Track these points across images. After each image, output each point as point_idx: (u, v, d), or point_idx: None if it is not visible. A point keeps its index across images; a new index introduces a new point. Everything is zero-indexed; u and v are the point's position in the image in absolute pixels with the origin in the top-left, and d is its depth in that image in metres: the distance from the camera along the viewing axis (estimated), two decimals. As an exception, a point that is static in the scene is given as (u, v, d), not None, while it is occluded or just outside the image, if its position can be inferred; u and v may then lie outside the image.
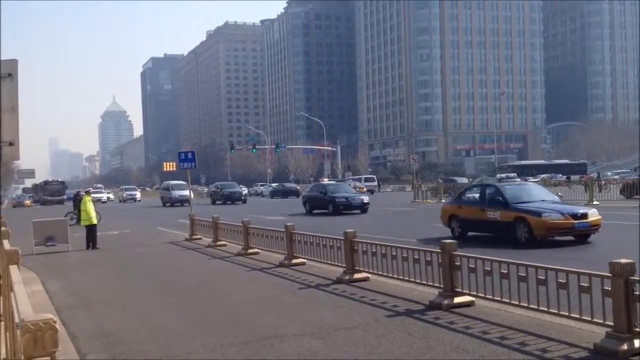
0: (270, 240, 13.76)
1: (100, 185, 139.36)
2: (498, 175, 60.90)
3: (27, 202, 75.30)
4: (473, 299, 7.66)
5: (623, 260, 5.57)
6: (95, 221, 18.47)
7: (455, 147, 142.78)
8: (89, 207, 18.34)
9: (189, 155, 24.12)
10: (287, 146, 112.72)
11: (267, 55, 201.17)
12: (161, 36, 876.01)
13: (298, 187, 69.05)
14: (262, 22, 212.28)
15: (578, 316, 6.15)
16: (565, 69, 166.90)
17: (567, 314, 6.27)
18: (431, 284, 8.26)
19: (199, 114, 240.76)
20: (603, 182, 36.07)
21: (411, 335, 6.60)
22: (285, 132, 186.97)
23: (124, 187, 79.76)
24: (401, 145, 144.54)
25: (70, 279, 12.48)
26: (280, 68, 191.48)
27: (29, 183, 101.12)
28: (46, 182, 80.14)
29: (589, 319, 6.01)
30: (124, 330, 7.57)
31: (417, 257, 8.54)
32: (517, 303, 6.89)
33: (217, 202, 50.17)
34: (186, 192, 46.46)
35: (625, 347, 5.45)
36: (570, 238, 14.58)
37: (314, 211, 31.41)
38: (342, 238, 10.26)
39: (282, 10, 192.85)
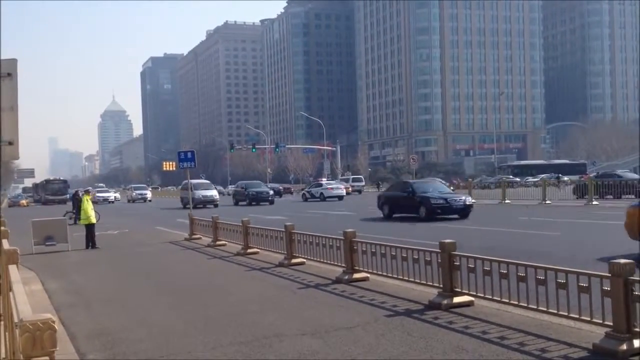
0: (270, 240, 13.76)
1: (101, 184, 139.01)
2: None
3: (23, 201, 73.18)
4: (472, 298, 7.66)
5: (622, 261, 5.57)
6: (93, 220, 18.47)
7: (454, 147, 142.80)
8: (87, 206, 18.34)
9: (189, 154, 24.11)
10: (287, 146, 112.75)
11: (266, 55, 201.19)
12: (161, 36, 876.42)
13: (281, 187, 72.48)
14: (262, 21, 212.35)
15: (577, 316, 6.15)
16: (564, 69, 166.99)
17: (566, 314, 6.27)
18: (430, 283, 8.26)
19: (199, 114, 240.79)
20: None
21: (410, 335, 6.59)
22: (285, 132, 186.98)
23: (133, 185, 75.75)
24: (401, 145, 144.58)
25: (70, 279, 12.48)
26: (280, 68, 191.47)
27: (28, 182, 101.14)
28: (48, 181, 77.60)
29: (588, 319, 6.00)
30: (123, 330, 7.56)
31: (416, 257, 8.54)
32: (516, 303, 6.88)
33: (241, 202, 46.03)
34: (211, 192, 44.20)
35: (624, 347, 5.45)
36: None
37: (394, 215, 25.32)
38: (342, 238, 10.26)
39: (282, 10, 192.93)
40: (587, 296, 5.96)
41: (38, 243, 17.17)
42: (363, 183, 73.79)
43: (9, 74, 5.93)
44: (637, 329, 5.51)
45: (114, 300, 9.79)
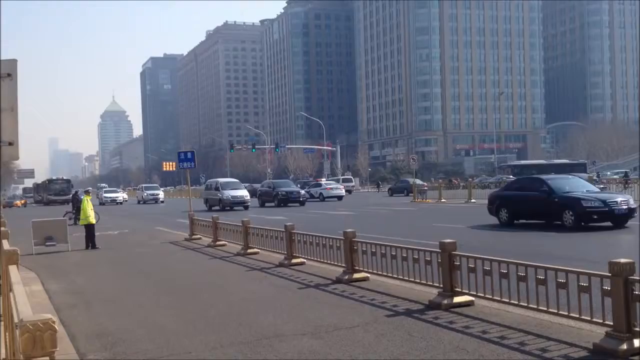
0: (270, 240, 13.76)
1: (104, 184, 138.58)
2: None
3: (18, 202, 71.44)
4: (472, 298, 7.66)
5: (622, 260, 5.57)
6: (93, 221, 18.46)
7: (454, 146, 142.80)
8: (87, 207, 18.35)
9: (189, 155, 24.11)
10: (287, 146, 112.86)
11: (266, 55, 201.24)
12: (161, 36, 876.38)
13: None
14: (262, 22, 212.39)
15: (577, 316, 6.15)
16: (564, 69, 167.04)
17: (566, 313, 6.27)
18: (431, 283, 8.26)
19: (199, 114, 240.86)
20: (604, 181, 36.06)
21: (411, 335, 6.59)
22: (285, 132, 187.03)
23: (143, 185, 68.45)
24: (401, 145, 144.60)
25: (70, 279, 12.47)
26: (280, 68, 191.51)
27: (28, 183, 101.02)
28: (50, 181, 74.37)
29: (589, 318, 6.00)
30: (123, 330, 7.56)
31: (416, 256, 8.54)
32: (516, 303, 6.88)
33: (268, 204, 41.35)
34: (241, 192, 39.04)
35: (624, 346, 5.45)
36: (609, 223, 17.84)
37: (518, 220, 19.87)
38: (342, 238, 10.26)
39: (282, 10, 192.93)
40: (587, 296, 5.96)
41: (38, 243, 17.17)
42: (353, 183, 73.81)
43: (8, 75, 5.93)
44: (637, 329, 5.51)
45: (114, 301, 9.79)
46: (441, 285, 7.93)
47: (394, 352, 6.06)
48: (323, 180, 61.51)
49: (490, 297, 7.26)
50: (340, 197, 49.36)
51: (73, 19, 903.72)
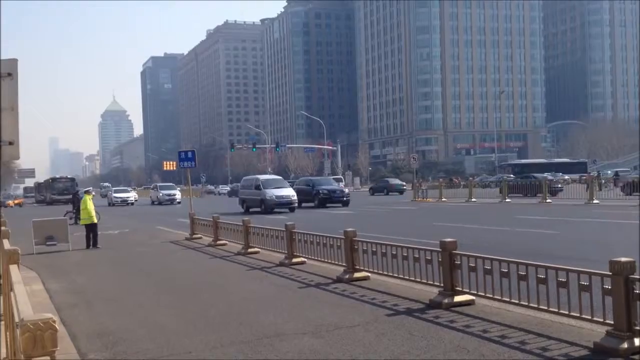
0: (271, 240, 13.76)
1: (107, 184, 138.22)
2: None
3: (11, 202, 69.75)
4: (473, 297, 7.66)
5: (623, 259, 5.56)
6: (95, 220, 18.47)
7: (455, 146, 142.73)
8: (90, 206, 18.33)
9: (189, 154, 24.10)
10: (287, 145, 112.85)
11: (267, 55, 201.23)
12: (161, 35, 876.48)
13: None
14: (262, 21, 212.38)
15: (578, 315, 6.14)
16: (565, 68, 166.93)
17: (567, 312, 6.27)
18: (431, 282, 8.25)
19: (199, 113, 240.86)
20: (603, 180, 36.05)
21: (411, 334, 6.59)
22: (286, 131, 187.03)
23: (158, 184, 60.60)
24: (401, 144, 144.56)
25: (71, 278, 12.48)
26: (281, 67, 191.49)
27: (29, 182, 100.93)
28: (54, 179, 71.73)
29: (589, 317, 6.00)
30: (124, 330, 7.56)
31: (417, 255, 8.54)
32: (517, 302, 6.88)
33: (305, 204, 36.53)
34: (287, 191, 33.53)
35: (625, 345, 5.45)
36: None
37: None
38: (342, 237, 10.25)
39: (282, 10, 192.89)
40: (588, 295, 5.95)
41: (39, 243, 17.18)
42: (343, 183, 73.39)
43: (9, 74, 5.93)
44: (638, 328, 5.51)
45: (115, 300, 9.79)
46: (442, 285, 7.93)
47: (394, 351, 6.06)
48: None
49: (491, 296, 7.25)
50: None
51: (73, 18, 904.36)
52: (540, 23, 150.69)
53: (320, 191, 36.54)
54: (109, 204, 54.38)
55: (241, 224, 15.22)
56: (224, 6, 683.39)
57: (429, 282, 8.32)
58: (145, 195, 72.98)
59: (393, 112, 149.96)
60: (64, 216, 25.14)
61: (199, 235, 19.09)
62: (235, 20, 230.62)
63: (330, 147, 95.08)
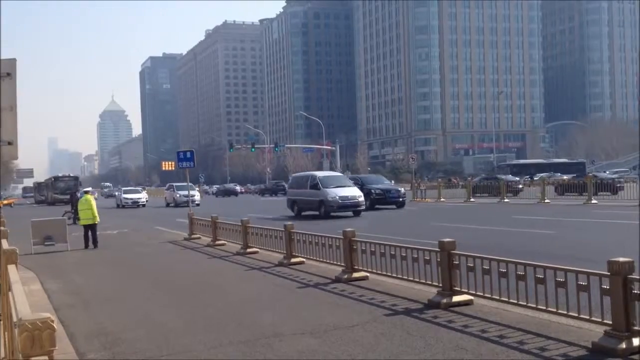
0: (269, 240, 13.75)
1: (108, 184, 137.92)
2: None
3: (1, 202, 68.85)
4: (472, 297, 7.66)
5: (622, 259, 5.57)
6: (98, 220, 18.47)
7: (454, 146, 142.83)
8: (93, 205, 18.32)
9: (188, 154, 24.09)
10: (286, 145, 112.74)
11: (266, 55, 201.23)
12: (160, 35, 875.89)
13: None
14: (261, 21, 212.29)
15: (576, 315, 6.14)
16: (563, 68, 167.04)
17: (565, 312, 6.27)
18: (430, 282, 8.25)
19: (198, 113, 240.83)
20: (601, 181, 36.06)
21: (410, 334, 6.60)
22: (284, 132, 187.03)
23: (175, 184, 53.12)
24: (400, 144, 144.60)
25: (69, 279, 12.47)
26: (279, 67, 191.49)
27: (28, 182, 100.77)
28: (56, 178, 68.48)
29: (588, 317, 6.01)
30: (122, 329, 7.56)
31: (415, 255, 8.54)
32: (515, 302, 6.88)
33: None
34: (352, 191, 27.75)
35: (624, 345, 5.45)
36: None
37: None
38: (341, 237, 10.25)
39: (281, 10, 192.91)
40: (586, 295, 5.95)
41: (37, 243, 17.16)
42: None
43: (8, 74, 5.93)
44: (636, 328, 5.51)
45: (113, 300, 9.78)
46: (440, 285, 7.93)
47: (393, 351, 6.06)
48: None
49: (490, 296, 7.25)
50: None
51: (72, 18, 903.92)
52: (539, 23, 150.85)
53: (373, 191, 31.35)
54: (118, 206, 50.72)
55: (240, 224, 15.22)
56: (222, 6, 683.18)
57: (427, 282, 8.32)
58: (155, 195, 71.57)
59: (392, 112, 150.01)
60: (62, 216, 25.10)
61: (198, 236, 19.08)
62: (234, 21, 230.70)
63: (329, 147, 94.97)
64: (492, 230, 18.70)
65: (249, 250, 14.64)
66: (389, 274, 9.19)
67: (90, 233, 18.14)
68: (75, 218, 26.16)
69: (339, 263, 10.48)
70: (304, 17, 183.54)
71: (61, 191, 60.64)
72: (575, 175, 51.42)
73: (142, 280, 12.14)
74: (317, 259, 11.46)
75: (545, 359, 5.58)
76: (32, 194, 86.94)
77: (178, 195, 47.78)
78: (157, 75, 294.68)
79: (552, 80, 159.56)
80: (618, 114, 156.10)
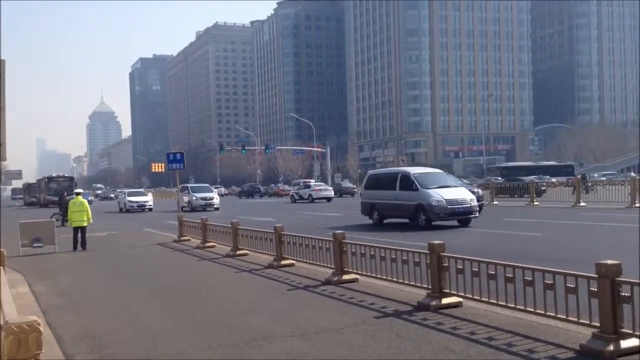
0: (259, 242, 13.71)
1: (100, 185, 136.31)
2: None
3: None
4: (461, 299, 7.68)
5: (609, 262, 5.59)
6: (91, 222, 18.39)
7: (444, 148, 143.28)
8: (88, 207, 18.23)
9: (178, 156, 23.98)
10: (277, 147, 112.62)
11: (256, 56, 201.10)
12: (150, 37, 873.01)
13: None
14: (252, 23, 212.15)
15: (564, 317, 6.17)
16: (553, 71, 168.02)
17: (553, 314, 6.29)
18: (419, 284, 8.27)
19: (188, 115, 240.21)
20: (590, 184, 36.29)
21: (399, 337, 6.60)
22: (275, 133, 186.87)
23: (189, 185, 46.95)
24: (390, 146, 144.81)
25: (57, 281, 12.39)
26: (270, 69, 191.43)
27: (17, 184, 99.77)
28: (50, 179, 64.73)
29: (576, 319, 6.03)
30: (111, 332, 7.52)
31: (405, 258, 8.55)
32: (504, 304, 6.91)
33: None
34: (462, 193, 21.17)
35: (611, 347, 5.47)
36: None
37: None
38: (331, 239, 10.25)
39: (272, 12, 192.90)
40: (575, 297, 5.98)
41: (25, 245, 17.05)
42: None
43: (-4, 75, 5.88)
44: (624, 330, 5.54)
45: (102, 302, 9.73)
46: (430, 287, 7.95)
47: (382, 353, 6.07)
48: (312, 182, 61.44)
49: (479, 298, 7.28)
50: (329, 199, 49.42)
51: (62, 18, 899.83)
52: (529, 26, 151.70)
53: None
54: (121, 210, 45.59)
55: (230, 225, 15.18)
56: (213, 8, 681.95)
57: (417, 284, 8.33)
58: (162, 197, 68.38)
59: (382, 114, 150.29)
60: (51, 218, 24.94)
61: (187, 238, 19.02)
62: (224, 22, 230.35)
63: (320, 149, 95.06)
64: (479, 232, 18.77)
65: (239, 252, 14.60)
66: (379, 276, 9.19)
67: (79, 235, 18.04)
68: (64, 220, 26.02)
69: (329, 265, 10.48)
70: (295, 19, 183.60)
71: (55, 192, 56.17)
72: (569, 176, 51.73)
73: (130, 282, 12.08)
74: (307, 261, 11.44)
75: (533, 361, 5.59)
76: (21, 196, 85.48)
77: (194, 198, 41.45)
78: (147, 76, 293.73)
79: (541, 83, 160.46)
80: (606, 118, 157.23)
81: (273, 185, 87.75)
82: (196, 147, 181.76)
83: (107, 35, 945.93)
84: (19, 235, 17.13)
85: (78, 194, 19.39)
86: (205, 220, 17.61)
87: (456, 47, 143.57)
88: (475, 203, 21.24)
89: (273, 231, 12.60)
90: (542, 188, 37.88)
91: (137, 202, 45.72)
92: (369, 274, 9.45)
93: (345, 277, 9.99)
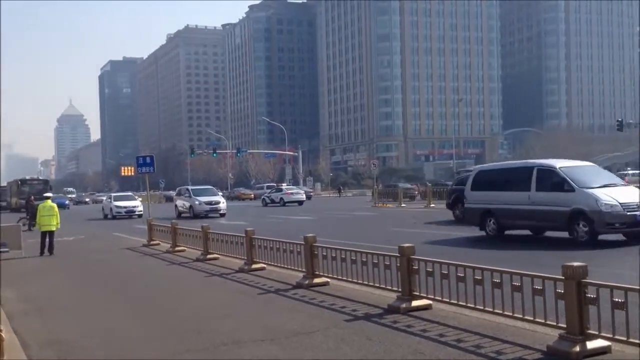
0: (230, 246, 13.62)
1: (71, 189, 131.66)
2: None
3: None
4: (431, 302, 7.72)
5: (576, 264, 5.67)
6: (59, 227, 18.11)
7: (415, 152, 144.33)
8: (56, 212, 17.94)
9: (148, 159, 23.78)
10: (248, 151, 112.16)
11: (228, 60, 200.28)
12: (120, 39, 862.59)
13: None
14: (224, 26, 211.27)
15: (532, 318, 6.23)
16: (522, 76, 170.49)
17: (521, 316, 6.36)
18: (390, 287, 8.29)
19: (159, 118, 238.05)
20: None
21: (370, 340, 6.62)
22: (247, 137, 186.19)
23: (190, 187, 41.66)
24: (362, 150, 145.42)
25: (24, 286, 12.15)
26: (242, 72, 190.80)
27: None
28: (23, 182, 61.16)
29: (543, 321, 6.09)
30: (77, 338, 7.40)
31: (376, 261, 8.57)
32: (473, 306, 6.97)
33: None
34: (635, 195, 15.30)
35: (577, 348, 5.54)
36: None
37: None
38: (302, 243, 10.24)
39: (244, 15, 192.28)
40: (542, 298, 6.04)
41: (-10, 250, 16.67)
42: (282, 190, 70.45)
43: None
44: (590, 331, 5.61)
45: (69, 308, 9.58)
46: (400, 290, 7.98)
47: (352, 356, 6.07)
48: (284, 185, 61.37)
49: (448, 300, 7.33)
50: (300, 202, 49.41)
51: (29, 19, 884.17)
52: (498, 32, 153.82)
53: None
54: (106, 216, 40.28)
55: (200, 229, 15.07)
56: (184, 11, 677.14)
57: (387, 287, 8.36)
58: (143, 201, 65.63)
59: (354, 118, 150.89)
60: (18, 222, 24.47)
61: (157, 242, 18.83)
62: (196, 25, 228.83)
63: (292, 153, 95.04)
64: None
65: (209, 256, 14.49)
66: (350, 279, 9.20)
67: (47, 240, 17.74)
68: (31, 224, 25.57)
69: (300, 269, 10.46)
70: (266, 23, 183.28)
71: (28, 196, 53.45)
72: None
73: (99, 287, 11.91)
74: (279, 264, 11.41)
75: (501, 363, 5.65)
76: None
77: (198, 203, 35.75)
78: (117, 79, 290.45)
79: (510, 88, 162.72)
80: (574, 122, 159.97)
81: (235, 189, 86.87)
82: (167, 151, 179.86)
83: (76, 38, 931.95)
84: (-16, 240, 16.76)
85: (48, 197, 19.04)
86: (175, 224, 17.45)
87: (427, 52, 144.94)
88: None
89: (244, 235, 12.53)
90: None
91: (125, 207, 39.98)
92: (340, 277, 9.46)
93: (317, 280, 9.98)
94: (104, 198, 53.15)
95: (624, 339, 5.36)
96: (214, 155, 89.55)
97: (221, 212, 35.91)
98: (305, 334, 7.01)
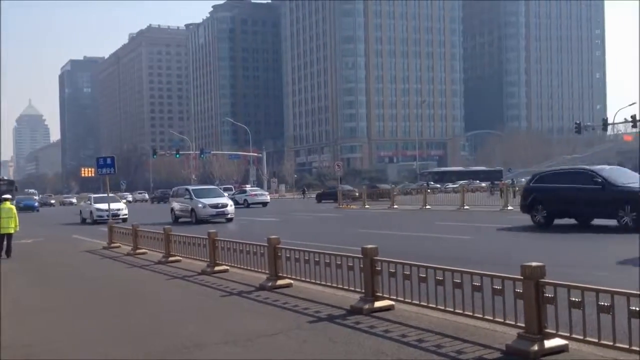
0: (193, 248, 13.48)
1: (33, 190, 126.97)
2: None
3: None
4: (393, 303, 7.76)
5: (534, 264, 5.76)
6: (18, 229, 17.67)
7: (378, 153, 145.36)
8: (16, 214, 17.51)
9: (108, 160, 23.46)
10: (212, 152, 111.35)
11: (192, 60, 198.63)
12: (81, 38, 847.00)
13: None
14: (187, 26, 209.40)
15: (491, 318, 6.31)
16: (483, 79, 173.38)
17: (481, 316, 6.44)
18: (353, 288, 8.30)
19: (120, 119, 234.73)
20: (517, 188, 37.50)
21: (332, 341, 6.62)
22: (211, 138, 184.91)
23: (191, 188, 34.68)
24: (326, 151, 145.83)
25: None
26: (206, 73, 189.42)
27: None
28: None
29: (502, 320, 6.18)
30: (36, 342, 7.23)
31: (339, 262, 8.58)
32: (434, 306, 7.03)
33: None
34: None
35: (536, 347, 5.62)
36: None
37: None
38: (266, 244, 10.20)
39: (208, 15, 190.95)
40: (501, 298, 6.13)
41: (-56, 253, 16.14)
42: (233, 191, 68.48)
43: None
44: (548, 330, 5.71)
45: (28, 312, 9.35)
46: (363, 290, 8.01)
47: (315, 357, 6.07)
48: (248, 187, 61.09)
49: (410, 301, 7.38)
50: (265, 204, 49.25)
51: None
52: (460, 35, 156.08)
53: None
54: (84, 220, 36.03)
55: (162, 232, 14.89)
56: (146, 10, 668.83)
57: (350, 288, 8.37)
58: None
59: (319, 119, 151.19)
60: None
61: (118, 244, 18.54)
62: (159, 24, 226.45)
63: (256, 154, 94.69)
64: (412, 236, 19.10)
65: (171, 258, 14.33)
66: (313, 280, 9.20)
67: (5, 242, 17.31)
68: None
69: (263, 271, 10.41)
70: (231, 23, 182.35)
71: None
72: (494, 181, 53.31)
73: (58, 291, 11.66)
74: (242, 266, 11.34)
75: (462, 362, 5.71)
76: None
77: (201, 206, 30.34)
78: (77, 79, 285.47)
79: (472, 90, 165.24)
80: (534, 124, 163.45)
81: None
82: (128, 152, 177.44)
83: (35, 36, 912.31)
84: (-63, 244, 16.26)
85: (7, 199, 18.48)
86: (137, 226, 17.21)
87: (391, 54, 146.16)
88: None
89: (206, 237, 12.43)
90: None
91: (103, 210, 33.69)
92: (303, 278, 9.44)
93: (280, 282, 9.95)
94: (73, 199, 50.16)
95: (581, 337, 5.46)
96: (177, 156, 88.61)
97: (228, 216, 30.79)
98: (268, 336, 6.98)
